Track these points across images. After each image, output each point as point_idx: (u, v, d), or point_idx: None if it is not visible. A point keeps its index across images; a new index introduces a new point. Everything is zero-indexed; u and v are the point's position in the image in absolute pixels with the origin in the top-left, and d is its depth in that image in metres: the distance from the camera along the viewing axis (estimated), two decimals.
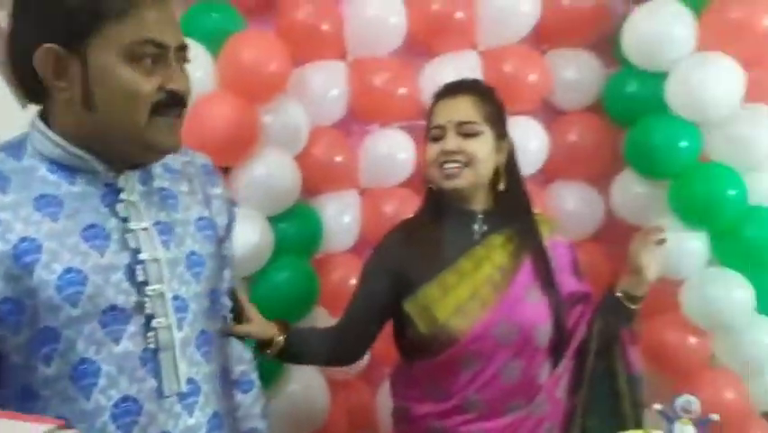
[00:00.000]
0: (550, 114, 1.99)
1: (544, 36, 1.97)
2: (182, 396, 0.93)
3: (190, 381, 0.94)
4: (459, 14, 1.88)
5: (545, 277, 1.32)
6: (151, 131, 0.88)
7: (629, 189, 1.92)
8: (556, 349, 1.34)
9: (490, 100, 1.37)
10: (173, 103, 0.90)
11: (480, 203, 1.37)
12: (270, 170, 1.74)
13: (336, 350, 1.40)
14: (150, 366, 0.90)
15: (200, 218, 1.01)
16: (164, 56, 0.88)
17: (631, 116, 1.86)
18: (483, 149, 1.32)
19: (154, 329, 0.90)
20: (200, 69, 1.65)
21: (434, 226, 1.36)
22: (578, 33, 1.95)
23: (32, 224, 0.85)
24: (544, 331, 1.30)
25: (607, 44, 1.94)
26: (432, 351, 1.29)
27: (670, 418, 1.03)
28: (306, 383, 1.76)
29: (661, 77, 1.78)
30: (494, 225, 1.35)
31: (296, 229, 1.78)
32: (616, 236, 1.89)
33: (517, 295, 1.29)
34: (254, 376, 1.18)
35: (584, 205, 1.98)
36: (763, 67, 1.75)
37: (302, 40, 1.86)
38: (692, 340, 1.84)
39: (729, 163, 1.76)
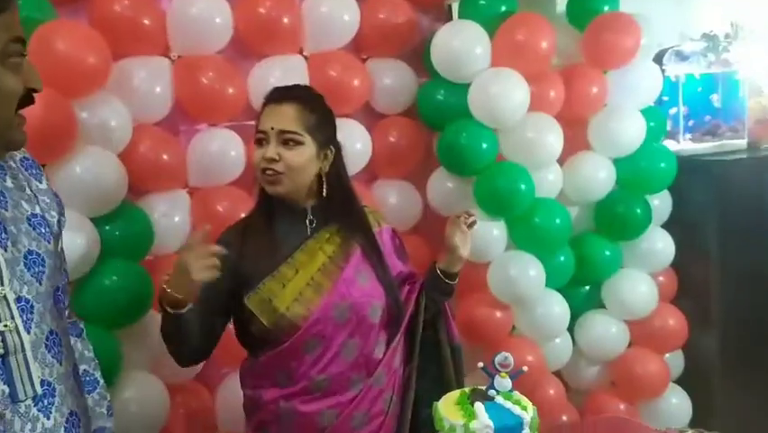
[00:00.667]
0: (371, 117, 2.15)
1: (364, 45, 2.13)
2: (37, 399, 0.89)
3: (44, 382, 0.90)
4: (285, 19, 1.95)
5: (375, 260, 1.44)
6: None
7: (442, 186, 2.16)
8: (389, 325, 1.47)
9: (316, 109, 1.41)
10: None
11: (308, 201, 1.43)
12: (91, 169, 1.64)
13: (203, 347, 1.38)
14: (0, 372, 0.85)
15: (33, 215, 0.95)
16: None
17: (441, 121, 2.10)
18: (302, 158, 1.36)
19: (1, 333, 0.85)
20: None
21: (268, 224, 1.42)
22: (393, 45, 2.14)
23: None
24: (375, 308, 1.41)
25: (419, 56, 2.15)
26: (276, 341, 1.35)
27: (491, 373, 1.20)
28: (144, 388, 1.69)
29: (464, 87, 2.04)
30: (323, 219, 1.43)
31: (123, 230, 1.70)
32: (433, 227, 2.11)
33: (349, 278, 1.39)
34: (98, 375, 1.14)
35: (404, 200, 2.17)
36: (543, 81, 2.09)
37: (120, 33, 1.78)
38: (498, 314, 2.14)
39: (520, 162, 2.07)
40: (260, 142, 1.38)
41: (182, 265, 1.22)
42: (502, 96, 2.00)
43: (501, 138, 2.09)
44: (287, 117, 1.37)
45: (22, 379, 0.86)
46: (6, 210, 0.91)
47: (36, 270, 0.91)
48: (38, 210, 0.97)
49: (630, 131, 2.19)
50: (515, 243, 2.13)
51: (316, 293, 1.36)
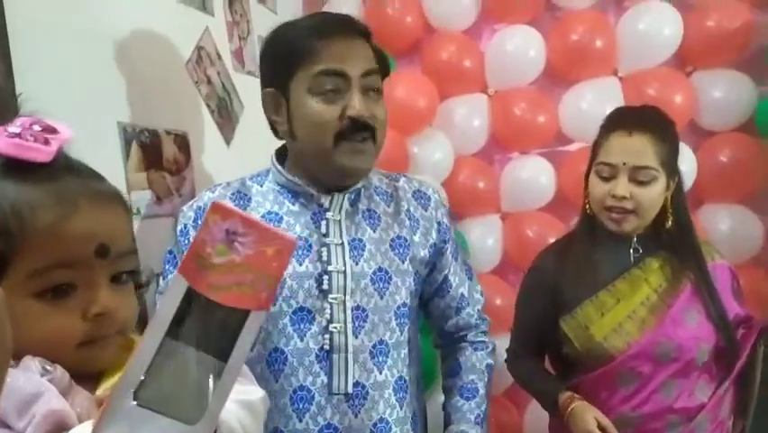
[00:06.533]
0: (697, 135, 1.96)
1: (689, 57, 1.96)
2: (349, 397, 1.02)
3: (358, 384, 1.02)
4: (598, 42, 1.94)
5: (707, 297, 1.29)
6: (337, 154, 1.00)
7: None
8: (719, 368, 1.31)
9: (668, 138, 1.27)
10: (356, 128, 0.99)
11: (637, 229, 1.31)
12: None
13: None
14: (324, 364, 1.02)
15: (397, 237, 1.10)
16: (344, 84, 0.98)
17: None
18: (654, 195, 1.25)
19: (330, 332, 1.02)
20: None
21: (589, 247, 1.34)
22: (724, 53, 1.92)
23: None
24: (704, 351, 1.27)
25: (759, 62, 1.88)
26: (587, 367, 1.31)
27: None
28: None
29: None
30: (649, 248, 1.31)
31: None
32: None
33: (676, 316, 1.26)
34: (480, 385, 1.18)
35: (740, 227, 1.91)
36: None
37: (446, 76, 2.02)
38: None
39: None
40: (605, 176, 1.27)
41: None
42: None
43: None
44: (641, 151, 1.23)
45: (338, 375, 1.02)
46: (375, 232, 1.08)
47: (380, 285, 1.06)
48: (405, 233, 1.10)
49: None
50: None
51: (638, 328, 1.26)
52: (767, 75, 1.88)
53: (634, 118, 1.28)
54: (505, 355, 1.48)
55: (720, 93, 1.92)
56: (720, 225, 1.92)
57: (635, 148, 1.24)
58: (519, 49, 2.00)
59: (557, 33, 1.99)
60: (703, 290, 1.28)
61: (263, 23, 1.37)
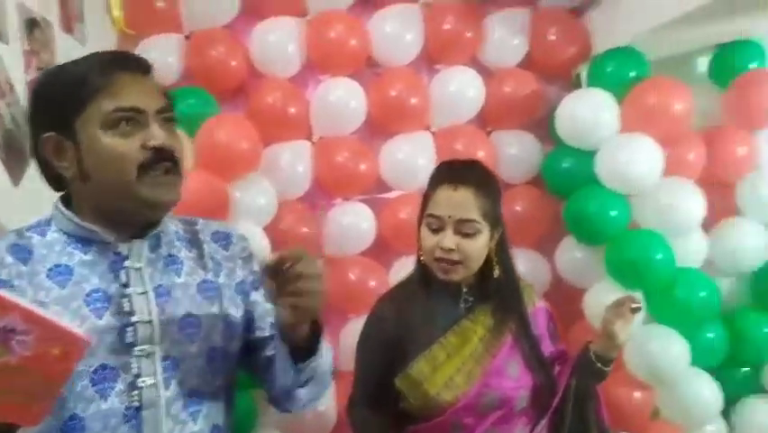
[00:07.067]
0: None
1: (489, 118, 2.20)
2: None
3: None
4: (414, 99, 2.10)
5: (527, 346, 1.39)
6: (141, 187, 0.96)
7: (571, 255, 2.11)
8: (535, 408, 1.41)
9: (490, 192, 1.35)
10: (160, 159, 0.96)
11: (467, 279, 1.38)
12: None
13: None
14: (133, 423, 0.95)
15: (203, 281, 1.07)
16: (141, 119, 0.96)
17: (567, 189, 2.07)
18: (479, 246, 1.32)
19: (139, 388, 0.96)
20: None
21: (423, 297, 1.38)
22: (517, 116, 2.19)
23: (43, 289, 0.95)
24: (523, 398, 1.37)
25: (544, 126, 2.17)
26: (421, 418, 1.36)
27: None
28: None
29: (591, 154, 2.01)
30: (478, 297, 1.38)
31: None
32: (563, 297, 2.06)
33: (499, 368, 1.34)
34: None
35: (533, 270, 2.15)
36: (678, 144, 1.99)
37: (271, 122, 2.04)
38: (637, 395, 1.99)
39: (657, 229, 1.96)
40: (434, 228, 1.33)
41: None
42: (633, 161, 1.93)
43: (634, 205, 2.00)
44: (465, 205, 1.31)
45: (150, 432, 0.96)
46: (180, 277, 1.04)
47: (189, 331, 1.01)
48: (211, 276, 1.08)
49: None
50: (653, 316, 1.99)
51: (466, 380, 1.33)
52: (549, 137, 2.16)
53: (459, 173, 1.35)
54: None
55: (514, 150, 2.17)
56: (518, 268, 2.14)
57: (460, 202, 1.31)
58: (342, 100, 2.10)
59: (377, 88, 2.13)
60: (523, 340, 1.38)
61: (69, 55, 1.28)
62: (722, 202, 2.05)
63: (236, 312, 1.10)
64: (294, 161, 2.07)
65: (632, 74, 2.04)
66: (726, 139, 2.05)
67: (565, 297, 2.10)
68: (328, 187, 2.14)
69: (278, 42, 2.10)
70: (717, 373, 2.00)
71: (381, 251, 2.12)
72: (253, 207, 1.96)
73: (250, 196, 1.96)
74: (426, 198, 1.38)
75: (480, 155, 2.10)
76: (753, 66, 2.07)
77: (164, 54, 2.07)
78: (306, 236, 2.05)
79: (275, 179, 2.03)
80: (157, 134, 0.97)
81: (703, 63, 2.21)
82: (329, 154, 2.08)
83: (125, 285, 0.99)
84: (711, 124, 2.13)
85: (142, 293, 1.00)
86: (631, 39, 1.97)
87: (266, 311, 1.11)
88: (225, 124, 1.96)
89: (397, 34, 2.14)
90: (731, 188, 2.07)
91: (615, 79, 2.04)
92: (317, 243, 2.08)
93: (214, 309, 1.06)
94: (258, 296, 1.12)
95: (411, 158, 2.10)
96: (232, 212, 1.90)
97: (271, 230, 1.98)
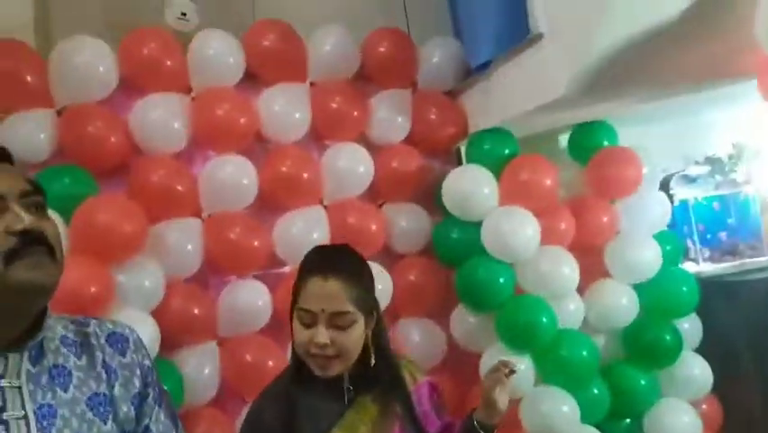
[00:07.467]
0: (391, 258, 2.25)
1: (380, 192, 2.28)
2: None
3: None
4: (305, 174, 2.12)
5: (415, 430, 1.38)
6: (10, 273, 0.86)
7: (464, 321, 2.18)
8: None
9: (361, 280, 1.32)
10: (30, 243, 0.88)
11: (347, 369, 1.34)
12: None
13: None
14: None
15: (95, 394, 0.95)
16: (1, 205, 0.88)
17: (457, 259, 2.17)
18: (355, 337, 1.28)
19: None
20: None
21: (303, 393, 1.33)
22: (406, 190, 2.28)
23: None
24: None
25: (431, 198, 2.28)
26: None
27: None
28: None
29: (476, 225, 2.13)
30: (361, 385, 1.35)
31: None
32: (458, 363, 2.11)
33: None
34: None
35: (428, 337, 2.19)
36: (549, 215, 2.18)
37: (156, 200, 1.95)
38: None
39: (539, 294, 2.10)
40: (306, 322, 1.27)
41: None
42: (513, 232, 2.08)
43: (518, 272, 2.14)
44: (336, 297, 1.26)
45: None
46: (67, 393, 0.92)
47: None
48: (104, 388, 0.96)
49: (646, 256, 2.22)
50: (542, 377, 2.10)
51: None
52: (437, 208, 2.27)
53: (328, 262, 1.31)
54: None
55: (405, 222, 2.25)
56: (413, 336, 2.18)
57: (332, 294, 1.26)
58: (233, 176, 2.06)
59: (268, 164, 2.12)
60: (410, 425, 1.38)
61: None
62: (592, 266, 2.24)
63: (132, 427, 0.99)
64: (183, 239, 1.98)
65: (505, 151, 2.21)
66: (590, 209, 2.27)
67: (462, 362, 2.16)
68: (220, 264, 2.06)
69: (161, 119, 2.04)
70: (603, 426, 2.13)
71: (278, 328, 2.06)
72: (140, 291, 1.83)
73: (135, 279, 1.83)
74: (297, 288, 1.32)
75: (373, 228, 2.16)
76: (605, 144, 2.34)
77: (34, 130, 1.92)
78: (199, 318, 1.94)
79: (162, 260, 1.92)
80: (22, 217, 0.88)
81: (564, 140, 2.47)
82: (220, 231, 2.02)
83: (1, 409, 0.86)
84: (574, 194, 2.35)
85: (21, 418, 0.87)
86: (500, 121, 2.15)
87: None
88: (106, 204, 1.85)
89: (285, 112, 2.17)
90: (599, 253, 2.28)
91: (490, 157, 2.21)
92: (211, 324, 1.98)
93: (108, 427, 0.95)
94: (147, 407, 1.02)
95: (305, 232, 2.09)
96: (117, 298, 1.76)
97: (161, 313, 1.85)
